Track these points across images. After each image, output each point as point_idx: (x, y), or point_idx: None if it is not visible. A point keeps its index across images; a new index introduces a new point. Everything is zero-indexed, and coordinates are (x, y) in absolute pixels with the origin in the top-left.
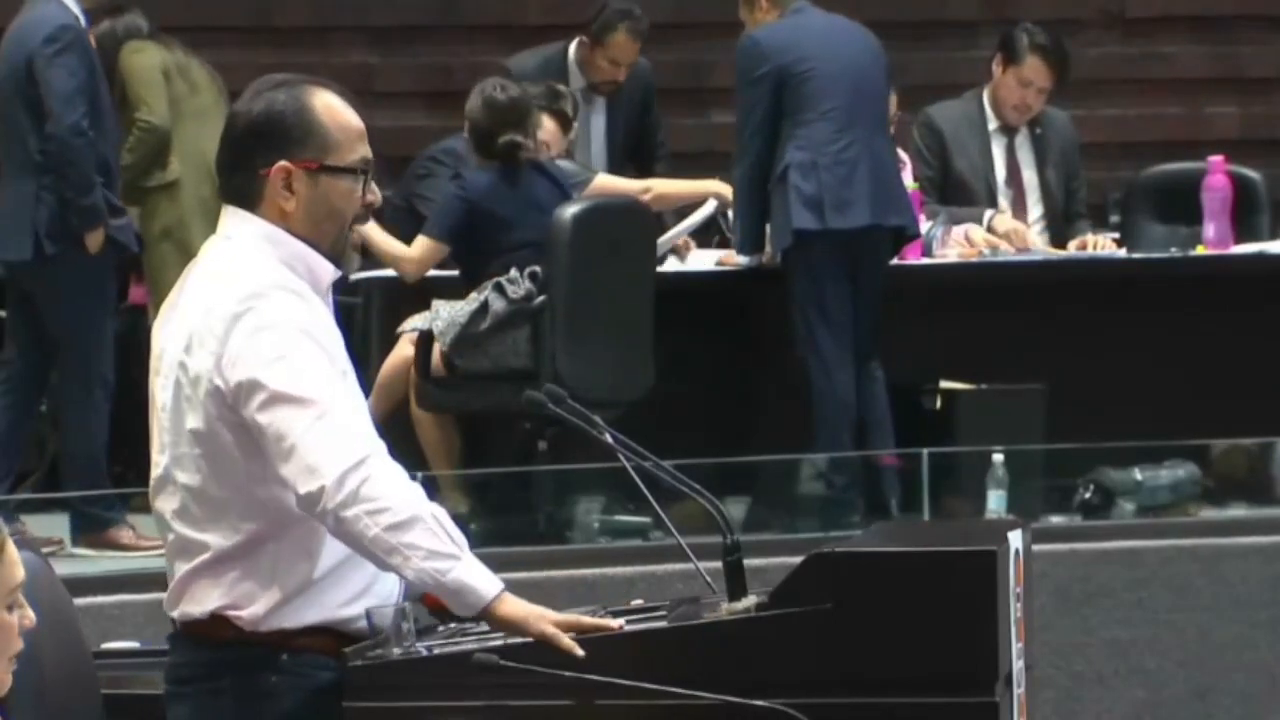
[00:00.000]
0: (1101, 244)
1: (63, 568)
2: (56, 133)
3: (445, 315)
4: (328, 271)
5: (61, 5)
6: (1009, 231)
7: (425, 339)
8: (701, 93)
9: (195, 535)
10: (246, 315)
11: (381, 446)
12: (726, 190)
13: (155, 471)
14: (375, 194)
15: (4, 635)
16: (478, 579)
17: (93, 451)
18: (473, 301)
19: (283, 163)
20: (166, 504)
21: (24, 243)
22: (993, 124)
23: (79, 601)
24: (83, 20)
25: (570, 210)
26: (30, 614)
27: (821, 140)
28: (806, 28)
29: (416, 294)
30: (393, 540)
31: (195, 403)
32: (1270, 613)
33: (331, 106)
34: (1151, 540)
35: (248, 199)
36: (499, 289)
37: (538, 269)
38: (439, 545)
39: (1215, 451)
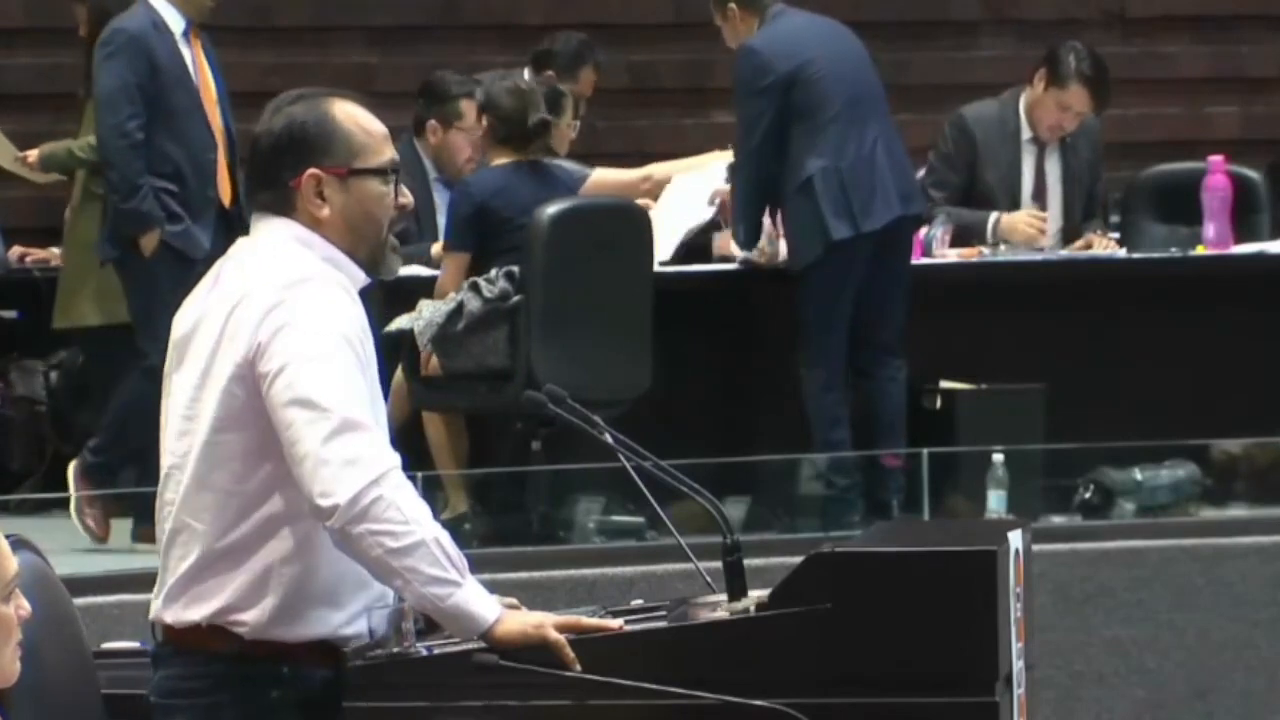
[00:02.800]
0: (1105, 244)
1: (63, 568)
2: (98, 134)
3: (426, 315)
4: (358, 278)
5: (148, 7)
6: (1016, 226)
7: (410, 339)
8: (701, 93)
9: (194, 524)
10: (283, 306)
11: (396, 460)
12: (729, 156)
13: (167, 461)
14: (406, 196)
15: (4, 626)
16: (476, 604)
17: (128, 453)
18: (451, 302)
19: (312, 170)
20: (176, 493)
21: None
22: (1026, 134)
23: (79, 601)
24: (178, 24)
25: (548, 211)
26: (25, 604)
27: (838, 144)
28: (800, 31)
29: (407, 293)
30: (395, 564)
31: (221, 390)
32: (1270, 613)
33: (351, 112)
34: (1151, 540)
35: (279, 210)
36: (475, 289)
37: (515, 269)
38: (439, 571)
39: (1219, 452)
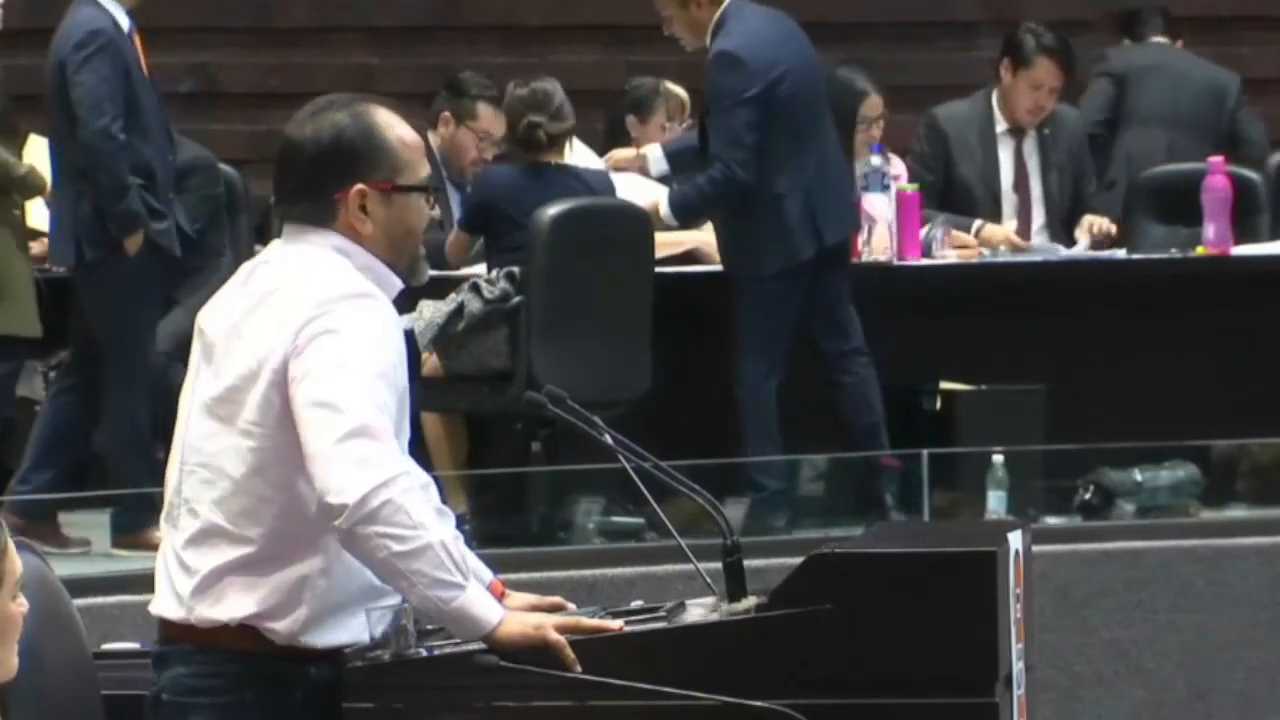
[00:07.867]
0: (1100, 226)
1: (61, 568)
2: (84, 138)
3: (427, 316)
4: (394, 286)
5: (98, 7)
6: (1000, 242)
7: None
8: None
9: (230, 528)
10: (324, 317)
11: (408, 466)
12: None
13: (192, 458)
14: (436, 210)
15: (12, 625)
16: (480, 607)
17: (133, 454)
18: (451, 302)
19: (359, 186)
20: (202, 492)
21: (69, 249)
22: (1001, 126)
23: (79, 601)
24: (125, 22)
25: (549, 211)
26: (24, 602)
27: (804, 158)
28: (768, 35)
29: (408, 294)
30: (400, 566)
31: (260, 396)
32: (1270, 613)
33: (394, 124)
34: (1151, 541)
35: (319, 222)
36: (475, 289)
37: (515, 270)
38: (445, 575)
39: (1219, 452)
